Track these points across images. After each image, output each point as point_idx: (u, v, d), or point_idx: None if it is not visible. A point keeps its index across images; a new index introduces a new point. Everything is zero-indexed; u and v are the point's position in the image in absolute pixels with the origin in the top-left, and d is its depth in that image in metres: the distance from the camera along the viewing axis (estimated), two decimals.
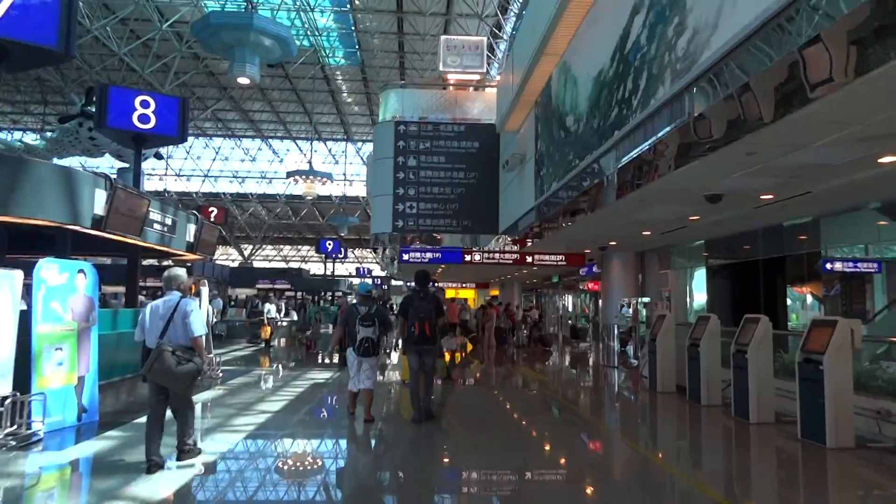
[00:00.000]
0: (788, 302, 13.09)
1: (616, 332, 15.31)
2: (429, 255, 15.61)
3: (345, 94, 39.04)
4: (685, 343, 11.23)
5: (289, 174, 34.76)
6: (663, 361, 11.12)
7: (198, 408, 7.58)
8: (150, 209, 9.85)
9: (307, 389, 10.83)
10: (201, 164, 45.35)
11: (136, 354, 10.00)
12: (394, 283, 45.09)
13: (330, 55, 34.36)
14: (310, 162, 35.25)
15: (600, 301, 18.11)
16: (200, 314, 5.27)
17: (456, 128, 14.81)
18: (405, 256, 15.50)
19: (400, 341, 8.47)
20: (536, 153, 10.77)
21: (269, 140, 44.28)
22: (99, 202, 8.62)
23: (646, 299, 14.59)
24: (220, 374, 12.19)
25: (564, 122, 8.98)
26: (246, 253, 51.41)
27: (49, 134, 31.68)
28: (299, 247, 56.06)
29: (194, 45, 31.87)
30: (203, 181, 45.47)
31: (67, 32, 8.92)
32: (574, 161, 8.46)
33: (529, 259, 15.76)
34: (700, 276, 14.66)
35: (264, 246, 53.43)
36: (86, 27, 28.06)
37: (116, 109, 11.75)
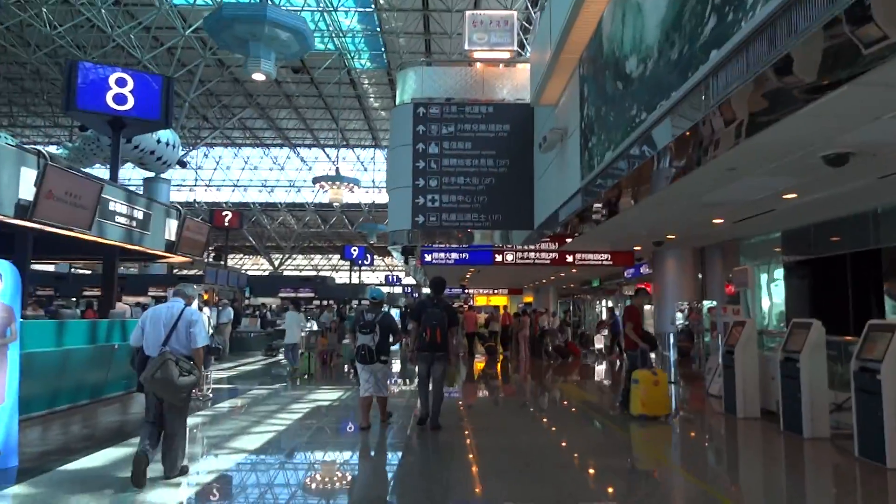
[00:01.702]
0: (888, 304, 10.43)
1: (672, 341, 12.81)
2: (454, 255, 13.35)
3: (371, 99, 37.21)
4: (773, 356, 8.87)
5: (315, 180, 32.97)
6: (745, 379, 8.70)
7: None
8: (107, 197, 7.82)
9: (303, 416, 8.65)
10: (230, 174, 44.02)
11: (93, 375, 7.97)
12: (425, 290, 42.98)
13: (355, 58, 32.61)
14: (336, 167, 33.41)
15: (651, 306, 15.60)
16: (204, 325, 5.15)
17: (484, 108, 12.54)
18: (427, 257, 13.27)
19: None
20: (583, 122, 8.43)
21: (297, 148, 42.70)
22: (26, 184, 6.57)
23: (711, 303, 12.04)
24: (210, 395, 10.16)
25: (623, 70, 6.63)
26: (276, 262, 49.89)
27: (70, 143, 30.54)
28: (330, 256, 54.32)
29: (219, 52, 30.44)
30: (233, 191, 44.12)
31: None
32: (639, 115, 6.10)
33: (570, 259, 13.37)
34: (775, 275, 12.08)
35: (294, 255, 51.88)
36: (108, 34, 26.91)
37: (88, 89, 9.82)
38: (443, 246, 13.16)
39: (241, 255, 54.55)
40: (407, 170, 12.45)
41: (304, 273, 49.24)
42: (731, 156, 5.54)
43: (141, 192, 30.99)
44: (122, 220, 8.32)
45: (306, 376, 12.89)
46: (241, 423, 8.09)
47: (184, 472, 4.98)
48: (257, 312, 21.53)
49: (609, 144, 7.14)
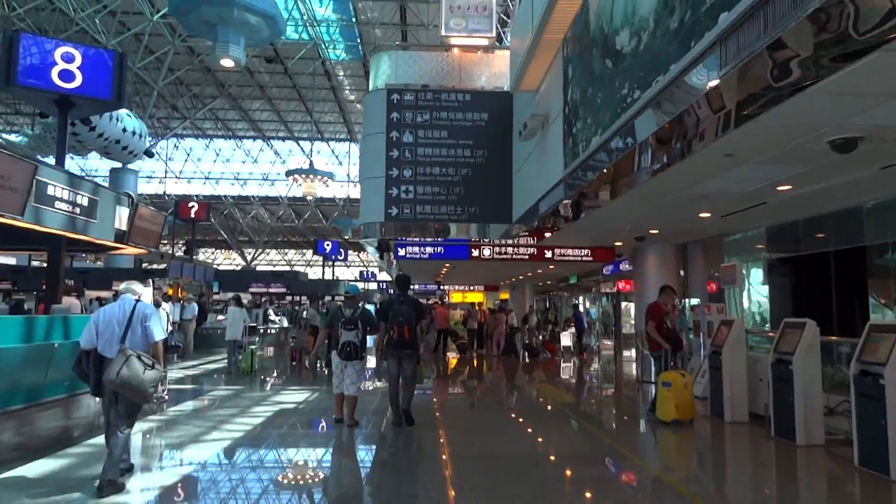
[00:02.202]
0: (872, 303, 10.09)
1: None
2: (429, 249, 12.69)
3: (347, 91, 36.27)
4: (761, 357, 8.45)
5: (288, 173, 31.99)
6: (733, 381, 8.25)
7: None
8: (44, 180, 6.98)
9: (266, 419, 7.95)
10: (202, 167, 42.69)
11: (28, 376, 7.16)
12: None
13: (330, 48, 31.69)
14: (310, 160, 32.48)
15: (631, 304, 15.15)
16: (160, 319, 5.09)
17: (461, 96, 11.90)
18: (400, 251, 12.58)
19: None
20: (566, 107, 7.83)
21: (271, 141, 41.56)
22: None
23: (694, 300, 11.58)
24: (166, 397, 9.39)
25: (613, 46, 6.03)
26: (249, 257, 48.65)
27: (30, 131, 29.10)
28: (304, 251, 53.18)
29: (189, 40, 29.33)
30: (204, 183, 42.80)
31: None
32: (631, 94, 5.51)
33: (549, 254, 12.80)
34: (757, 273, 11.67)
35: (268, 250, 50.68)
36: (70, 17, 25.64)
37: (30, 64, 8.92)
38: (417, 240, 12.48)
39: (213, 250, 53.14)
40: (380, 159, 11.76)
41: (278, 268, 48.05)
42: (733, 139, 4.97)
43: (107, 183, 29.83)
44: (64, 206, 7.46)
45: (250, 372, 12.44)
46: (196, 428, 7.36)
47: (118, 489, 4.58)
48: (225, 308, 20.61)
49: (596, 129, 6.55)
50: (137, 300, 4.94)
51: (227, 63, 19.52)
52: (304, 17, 28.38)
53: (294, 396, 9.95)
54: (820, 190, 7.25)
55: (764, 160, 5.88)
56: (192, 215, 22.69)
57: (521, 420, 8.53)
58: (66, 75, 9.05)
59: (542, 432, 7.69)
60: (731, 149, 5.46)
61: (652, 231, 10.53)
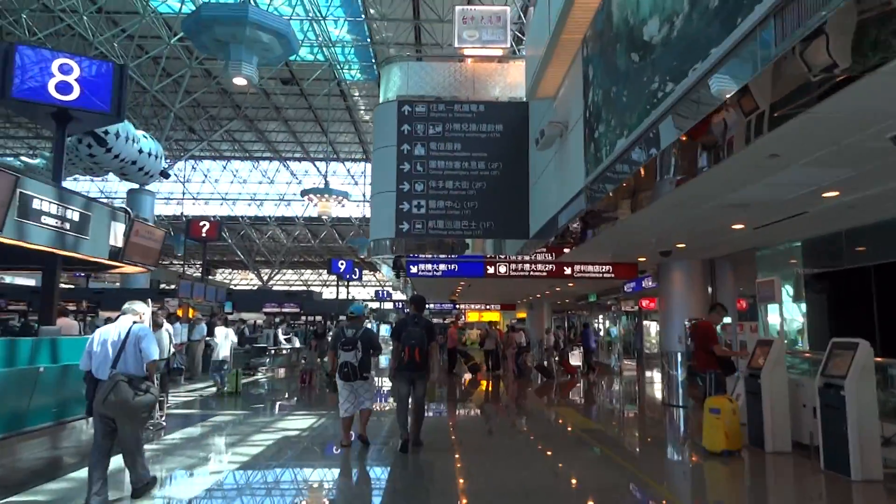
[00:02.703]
0: None
1: (680, 359, 11.53)
2: (442, 266, 12.05)
3: (362, 112, 36.08)
4: (803, 381, 7.69)
5: (303, 193, 31.67)
6: (774, 407, 7.47)
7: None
8: (28, 193, 6.49)
9: (266, 449, 7.31)
10: (219, 188, 42.63)
11: (9, 403, 6.60)
12: None
13: (345, 69, 31.56)
14: (326, 180, 32.15)
15: (656, 323, 14.36)
16: (154, 339, 4.93)
17: (474, 107, 11.34)
18: (412, 269, 11.96)
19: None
20: (587, 110, 7.21)
21: (287, 161, 41.43)
22: None
23: (726, 319, 10.76)
24: (163, 424, 8.81)
25: (640, 37, 5.41)
26: (265, 277, 48.38)
27: (49, 153, 29.11)
28: (320, 271, 52.80)
29: (205, 62, 29.36)
30: (221, 204, 42.70)
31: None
32: (663, 87, 4.87)
33: (568, 271, 12.09)
34: (789, 289, 10.86)
35: (284, 270, 50.39)
36: (90, 42, 25.73)
37: (26, 76, 8.52)
38: (430, 257, 11.87)
39: (230, 270, 53.05)
40: (391, 173, 11.21)
41: (293, 288, 47.67)
42: (781, 135, 4.31)
43: (124, 205, 29.71)
44: (51, 221, 6.95)
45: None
46: (189, 459, 6.75)
47: (152, 484, 4.88)
48: (236, 328, 20.08)
49: (621, 131, 5.91)
50: (135, 321, 4.85)
51: (239, 81, 19.25)
52: (319, 39, 28.28)
53: (298, 422, 9.29)
54: (868, 197, 6.52)
55: (812, 162, 5.19)
56: (204, 234, 22.30)
57: (546, 451, 7.79)
58: (64, 87, 8.64)
59: (567, 464, 6.95)
60: (777, 148, 4.78)
61: (679, 245, 9.81)
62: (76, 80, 8.74)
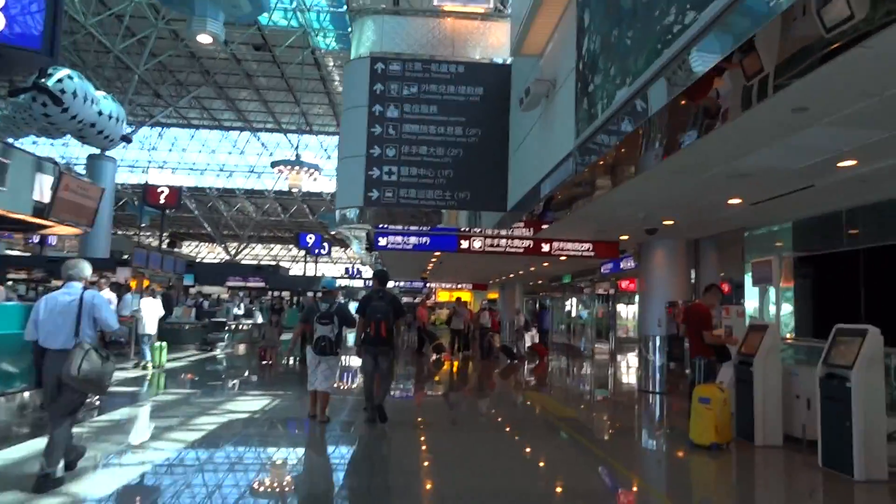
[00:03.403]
0: None
1: (658, 344, 10.89)
2: (412, 239, 11.16)
3: (336, 83, 34.62)
4: (797, 369, 7.08)
5: (273, 164, 30.31)
6: (766, 398, 6.83)
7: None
8: None
9: (211, 433, 6.41)
10: (186, 157, 40.83)
11: None
12: (391, 284, 40.45)
13: (320, 36, 30.09)
14: (297, 152, 30.83)
15: (628, 307, 13.76)
16: (110, 306, 4.70)
17: (453, 67, 10.40)
18: (381, 241, 11.05)
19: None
20: (580, 62, 6.35)
21: (258, 133, 39.78)
22: None
23: None
24: (97, 403, 7.83)
25: None
26: (233, 251, 46.82)
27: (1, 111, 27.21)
28: (290, 246, 51.35)
29: (172, 22, 27.64)
30: (188, 174, 40.94)
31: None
32: (680, 19, 4.02)
33: (546, 248, 11.32)
34: (780, 273, 10.27)
35: (252, 245, 48.87)
36: None
37: None
38: (400, 229, 10.97)
39: (197, 243, 51.25)
40: (361, 136, 10.24)
41: (263, 263, 46.21)
42: (820, 79, 3.53)
43: (84, 171, 28.04)
44: None
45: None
46: (117, 445, 5.84)
47: (71, 466, 4.57)
48: (191, 302, 18.94)
49: (623, 79, 5.07)
50: (86, 288, 4.50)
51: (204, 39, 17.84)
52: (294, 4, 26.86)
53: (252, 403, 8.37)
54: (886, 169, 5.83)
55: (840, 119, 4.43)
56: (163, 201, 20.94)
57: (517, 440, 7.03)
58: None
59: (540, 457, 6.20)
60: (808, 98, 4.01)
61: (667, 222, 9.08)
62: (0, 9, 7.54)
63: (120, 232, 42.87)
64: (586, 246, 11.31)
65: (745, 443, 6.70)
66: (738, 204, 7.59)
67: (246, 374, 11.93)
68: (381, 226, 10.79)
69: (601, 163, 5.98)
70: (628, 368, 15.03)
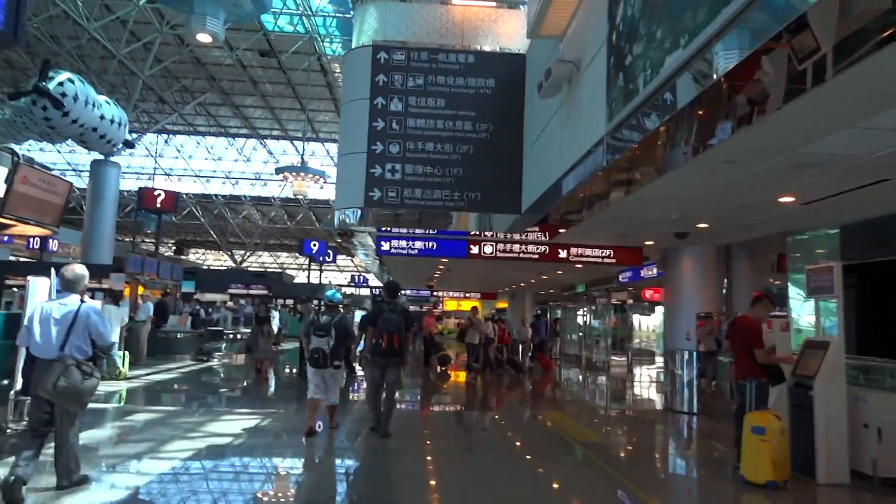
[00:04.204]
0: None
1: (686, 358, 9.81)
2: (418, 244, 10.16)
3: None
4: (871, 396, 5.99)
5: (278, 170, 29.45)
6: (830, 427, 5.74)
7: None
8: None
9: (181, 463, 5.39)
10: (193, 164, 40.05)
11: None
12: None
13: (326, 42, 29.32)
14: (302, 157, 29.96)
15: (642, 317, 12.68)
16: (107, 321, 4.69)
17: (462, 57, 9.43)
18: (384, 245, 10.06)
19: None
20: (613, 34, 5.34)
21: (264, 140, 38.99)
22: None
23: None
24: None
25: None
26: (240, 259, 45.96)
27: (5, 112, 26.42)
28: (297, 255, 50.41)
29: (177, 27, 26.94)
30: (195, 181, 40.14)
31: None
32: None
33: (563, 254, 10.29)
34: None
35: (259, 252, 47.99)
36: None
37: None
38: (405, 232, 9.99)
39: (204, 250, 50.42)
40: (362, 131, 9.27)
41: (267, 270, 45.29)
42: None
43: (87, 177, 27.22)
44: None
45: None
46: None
47: (82, 482, 4.38)
48: (188, 309, 17.98)
49: (675, 41, 4.06)
50: (83, 300, 4.36)
51: (203, 38, 17.05)
52: (300, 9, 26.16)
53: (232, 424, 7.34)
54: None
55: None
56: (159, 205, 20.03)
57: (533, 467, 5.97)
58: None
59: (567, 493, 5.14)
60: None
61: (701, 225, 8.03)
62: None
63: (127, 239, 42.17)
64: (607, 252, 10.28)
65: (804, 480, 5.63)
66: (789, 203, 6.55)
67: (234, 387, 10.93)
68: (384, 229, 9.80)
69: (638, 149, 4.97)
70: (650, 384, 13.93)
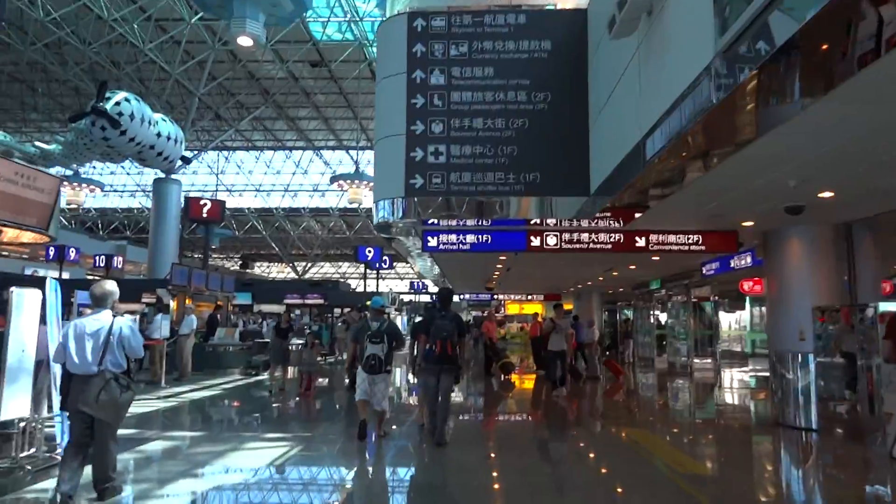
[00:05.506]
0: None
1: (801, 362, 7.91)
2: (469, 237, 8.72)
3: None
4: None
5: (333, 179, 28.81)
6: None
7: None
8: None
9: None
10: (253, 179, 40.21)
11: None
12: (456, 299, 38.07)
13: (375, 46, 28.54)
14: (357, 165, 29.20)
15: (728, 315, 10.77)
16: (140, 337, 4.71)
17: (512, 18, 7.94)
18: (430, 241, 8.68)
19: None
20: None
21: (320, 151, 38.65)
22: None
23: (889, 305, 7.06)
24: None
25: None
26: (301, 270, 45.86)
27: (62, 138, 26.85)
28: (358, 264, 49.94)
29: (230, 43, 26.78)
30: (255, 196, 40.30)
31: None
32: None
33: (641, 242, 8.61)
34: None
35: (321, 263, 47.78)
36: (105, 20, 23.51)
37: None
38: (453, 225, 8.59)
39: (268, 263, 50.78)
40: (399, 110, 7.93)
41: (325, 279, 44.93)
42: None
43: (150, 194, 27.34)
44: None
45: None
46: None
47: (117, 491, 4.42)
48: (238, 322, 17.19)
49: None
50: (116, 316, 4.46)
51: (244, 42, 16.32)
52: (348, 15, 25.51)
53: (256, 455, 6.10)
54: None
55: None
56: (205, 215, 19.46)
57: None
58: None
59: None
60: None
61: (824, 194, 6.22)
62: None
63: (196, 255, 42.82)
64: (694, 238, 8.52)
65: None
66: None
67: (274, 407, 9.78)
68: (430, 222, 8.43)
69: (763, 71, 3.36)
70: (748, 392, 11.95)
